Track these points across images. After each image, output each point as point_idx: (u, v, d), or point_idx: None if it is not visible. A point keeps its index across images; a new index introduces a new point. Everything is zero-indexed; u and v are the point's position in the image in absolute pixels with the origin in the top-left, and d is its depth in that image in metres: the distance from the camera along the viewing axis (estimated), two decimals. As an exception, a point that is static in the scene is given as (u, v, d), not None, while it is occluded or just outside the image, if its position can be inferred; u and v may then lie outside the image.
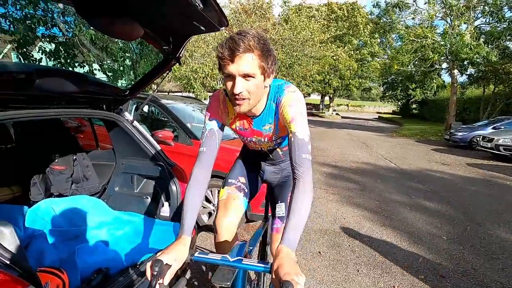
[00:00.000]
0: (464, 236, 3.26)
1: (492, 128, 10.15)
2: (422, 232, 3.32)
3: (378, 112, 43.93)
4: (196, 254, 0.91)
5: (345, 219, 3.61)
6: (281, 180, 1.53)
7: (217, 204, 1.46)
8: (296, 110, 1.05)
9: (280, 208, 1.46)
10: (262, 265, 0.86)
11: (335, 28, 23.10)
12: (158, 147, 2.03)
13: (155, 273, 0.76)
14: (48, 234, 1.65)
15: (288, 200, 1.41)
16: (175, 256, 0.85)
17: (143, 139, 1.98)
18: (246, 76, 0.94)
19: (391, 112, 40.98)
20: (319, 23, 12.83)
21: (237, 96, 0.97)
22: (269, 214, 1.68)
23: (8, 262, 0.92)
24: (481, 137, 9.02)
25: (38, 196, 2.11)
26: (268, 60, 0.96)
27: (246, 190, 1.46)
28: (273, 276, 0.77)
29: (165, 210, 1.93)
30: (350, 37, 25.16)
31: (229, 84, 0.97)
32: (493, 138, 8.34)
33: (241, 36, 0.91)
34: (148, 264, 0.78)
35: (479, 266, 2.64)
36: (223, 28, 1.40)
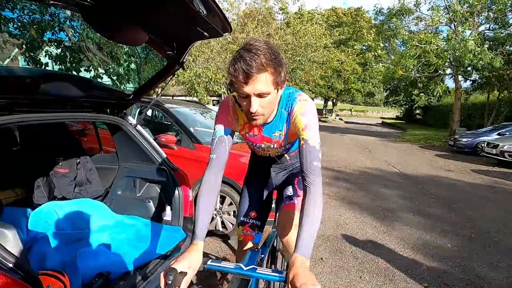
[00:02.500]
0: (469, 243, 3.22)
1: (497, 134, 10.06)
2: (426, 238, 3.28)
3: (381, 117, 43.81)
4: (209, 262, 0.89)
5: (347, 225, 3.59)
6: (285, 176, 1.57)
7: (238, 243, 1.57)
8: (308, 118, 1.05)
9: (288, 189, 1.50)
10: (277, 275, 0.85)
11: (339, 32, 23.16)
12: (161, 151, 2.04)
13: (170, 282, 0.74)
14: (50, 237, 1.66)
15: (295, 181, 1.48)
16: (189, 263, 0.83)
17: (146, 143, 1.99)
18: (261, 94, 0.94)
19: (394, 117, 40.84)
20: (321, 26, 12.85)
21: (253, 114, 0.98)
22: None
23: (10, 265, 0.93)
24: (486, 143, 8.94)
25: (41, 198, 2.12)
26: (281, 73, 0.96)
27: (259, 224, 1.50)
28: (289, 286, 0.76)
29: (167, 214, 1.93)
30: (353, 42, 25.26)
31: (244, 102, 0.98)
32: (498, 144, 8.26)
33: (252, 55, 0.88)
34: (162, 273, 0.77)
35: (484, 274, 2.60)
36: (227, 34, 1.41)
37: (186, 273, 0.80)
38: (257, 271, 0.87)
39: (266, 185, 1.57)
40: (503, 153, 8.03)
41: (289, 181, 1.53)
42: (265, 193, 1.58)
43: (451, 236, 3.37)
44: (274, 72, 0.92)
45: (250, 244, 1.47)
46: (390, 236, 3.31)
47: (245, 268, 0.87)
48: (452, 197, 4.99)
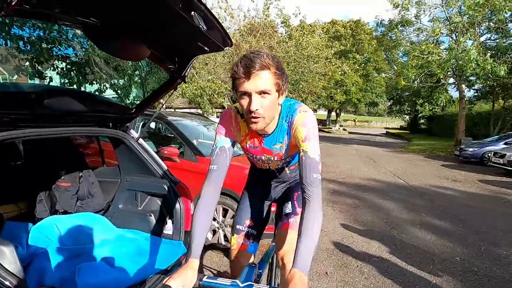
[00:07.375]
0: (479, 257, 3.12)
1: (504, 144, 9.92)
2: (434, 252, 3.19)
3: (385, 128, 43.58)
4: (204, 279, 0.89)
5: (353, 238, 3.51)
6: (285, 190, 1.54)
7: (230, 253, 1.48)
8: (309, 129, 1.05)
9: (287, 206, 1.46)
10: None
11: (339, 44, 23.39)
12: (163, 164, 2.04)
13: None
14: (50, 253, 1.64)
15: (294, 197, 1.44)
16: (184, 281, 0.82)
17: (148, 156, 2.00)
18: (262, 93, 0.95)
19: (398, 127, 40.61)
20: (322, 38, 12.97)
21: (253, 114, 0.97)
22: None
23: (7, 283, 0.91)
24: (493, 152, 8.82)
25: (43, 213, 2.12)
26: (283, 78, 0.98)
27: (255, 233, 1.46)
28: None
29: (169, 228, 1.91)
30: (354, 53, 25.48)
31: (245, 101, 0.97)
32: (505, 154, 8.14)
33: (256, 55, 0.92)
34: None
35: (496, 290, 2.51)
36: (227, 48, 1.43)
37: None
38: (253, 287, 0.85)
39: (265, 196, 1.54)
40: (511, 163, 7.90)
41: (289, 196, 1.50)
42: (264, 205, 1.55)
43: (460, 250, 3.28)
44: (276, 72, 0.95)
45: (244, 254, 1.42)
46: (396, 249, 3.23)
47: (241, 285, 0.86)
48: (459, 208, 4.89)
